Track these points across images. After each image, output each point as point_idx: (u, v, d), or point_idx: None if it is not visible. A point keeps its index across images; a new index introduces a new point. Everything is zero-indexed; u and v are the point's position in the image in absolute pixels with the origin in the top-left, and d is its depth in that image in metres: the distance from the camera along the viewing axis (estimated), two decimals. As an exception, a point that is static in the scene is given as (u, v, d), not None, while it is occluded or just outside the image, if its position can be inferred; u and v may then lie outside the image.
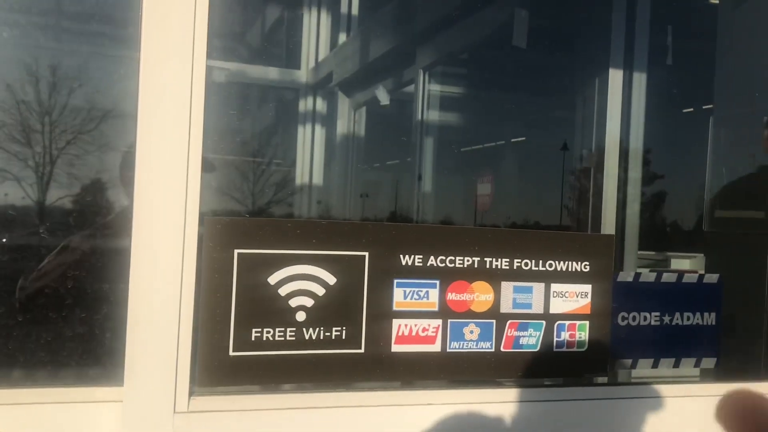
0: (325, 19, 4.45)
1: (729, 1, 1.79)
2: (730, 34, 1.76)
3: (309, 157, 4.70)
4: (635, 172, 2.32)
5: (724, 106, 1.80)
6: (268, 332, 0.98)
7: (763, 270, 1.50)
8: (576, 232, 1.06)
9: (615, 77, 2.32)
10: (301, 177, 4.53)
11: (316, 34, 4.92)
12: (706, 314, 1.21)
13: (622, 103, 2.33)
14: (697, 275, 1.23)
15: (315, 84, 4.83)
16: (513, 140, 3.99)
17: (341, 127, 4.79)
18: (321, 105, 4.85)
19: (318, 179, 4.70)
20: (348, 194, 4.78)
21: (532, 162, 3.42)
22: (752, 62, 1.69)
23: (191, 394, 0.93)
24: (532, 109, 3.27)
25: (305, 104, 4.80)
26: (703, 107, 1.97)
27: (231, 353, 0.96)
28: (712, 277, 1.24)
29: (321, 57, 4.85)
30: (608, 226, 2.16)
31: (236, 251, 0.96)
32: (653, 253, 2.88)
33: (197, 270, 0.93)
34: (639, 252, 2.45)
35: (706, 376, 1.33)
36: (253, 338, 0.97)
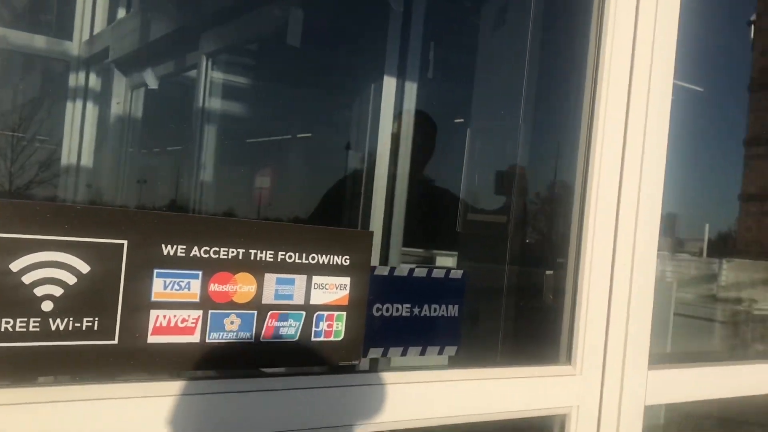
0: (104, -11, 4.18)
1: (489, 23, 1.98)
2: (487, 53, 1.95)
3: (78, 137, 4.38)
4: (404, 174, 2.48)
5: (480, 117, 1.99)
6: (7, 323, 0.92)
7: (502, 268, 1.69)
8: (339, 228, 1.13)
9: (389, 83, 2.46)
10: (68, 157, 4.21)
11: (92, 5, 4.60)
12: (450, 306, 1.33)
13: (394, 107, 2.48)
14: (444, 270, 1.36)
15: (88, 58, 4.51)
16: (295, 136, 4.05)
17: (116, 107, 4.52)
18: (94, 81, 4.54)
19: (88, 161, 4.39)
20: (122, 179, 4.52)
21: (312, 158, 3.50)
22: (503, 80, 1.89)
23: None
24: (314, 107, 3.35)
25: (76, 79, 4.46)
26: (462, 118, 2.16)
27: (-27, 345, 0.88)
28: (457, 273, 1.37)
29: (97, 30, 4.54)
30: (376, 224, 2.28)
31: (-23, 235, 0.88)
32: (421, 250, 3.09)
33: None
34: (407, 249, 2.62)
35: (455, 363, 1.46)
36: (-7, 329, 0.90)
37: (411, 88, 2.51)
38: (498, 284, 1.74)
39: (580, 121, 1.53)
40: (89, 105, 4.54)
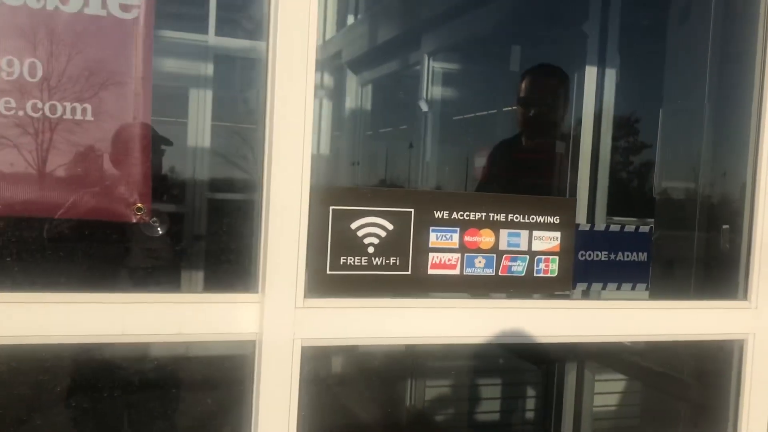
0: None
1: (675, 19, 2.32)
2: (675, 46, 2.29)
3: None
4: (606, 148, 2.87)
5: (671, 100, 2.34)
6: (345, 259, 1.53)
7: (692, 225, 2.05)
8: (550, 197, 1.59)
9: (590, 70, 2.86)
10: (318, 145, 5.02)
11: (324, 13, 5.37)
12: (639, 253, 1.76)
13: (595, 90, 2.88)
14: (635, 226, 1.78)
15: (323, 60, 5.30)
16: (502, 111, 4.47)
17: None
18: (328, 80, 5.34)
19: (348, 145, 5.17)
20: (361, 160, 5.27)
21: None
22: (690, 67, 2.22)
23: (305, 296, 1.48)
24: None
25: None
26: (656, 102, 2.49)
27: (328, 272, 1.51)
28: (645, 228, 1.79)
29: (329, 35, 5.31)
30: (582, 193, 2.72)
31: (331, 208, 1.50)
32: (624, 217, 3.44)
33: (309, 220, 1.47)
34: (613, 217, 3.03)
35: (655, 297, 1.89)
36: (341, 263, 1.52)
37: (611, 73, 2.89)
38: (686, 239, 2.10)
39: (752, 99, 1.86)
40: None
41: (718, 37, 2.13)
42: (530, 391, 3.51)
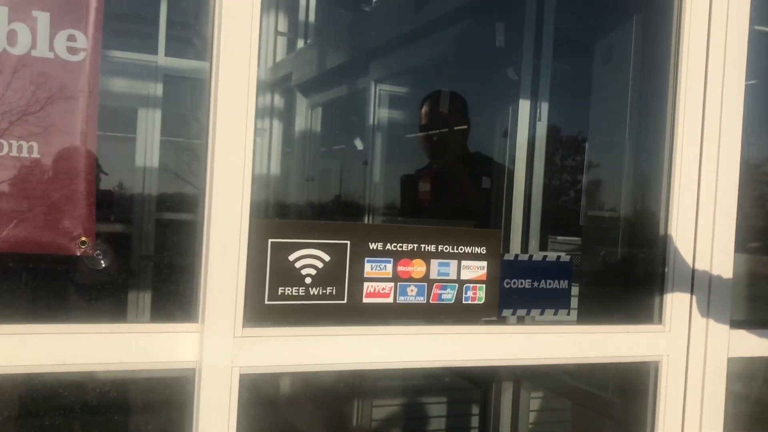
0: None
1: (600, 59, 2.48)
2: (600, 84, 2.45)
3: (268, 148, 5.26)
4: (539, 175, 3.03)
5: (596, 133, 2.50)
6: (283, 289, 1.61)
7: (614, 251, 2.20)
8: (476, 228, 1.71)
9: (524, 103, 3.02)
10: (259, 165, 5.09)
11: (274, 38, 5.47)
12: (561, 281, 1.89)
13: (528, 121, 3.04)
14: (556, 256, 1.91)
15: (273, 82, 5.39)
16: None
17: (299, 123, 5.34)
18: (278, 101, 5.42)
19: (276, 167, 5.27)
20: (305, 180, 5.36)
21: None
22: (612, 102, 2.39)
23: (243, 326, 1.55)
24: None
25: (263, 100, 5.35)
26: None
27: (266, 302, 1.59)
28: (565, 257, 1.92)
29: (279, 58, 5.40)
30: (516, 220, 2.86)
31: (269, 240, 1.58)
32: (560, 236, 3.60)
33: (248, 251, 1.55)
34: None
35: (581, 321, 2.01)
36: (279, 293, 1.60)
37: (544, 107, 3.05)
38: (609, 265, 2.25)
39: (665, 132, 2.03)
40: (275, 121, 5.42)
41: (637, 77, 2.29)
42: (470, 410, 3.63)
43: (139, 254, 3.67)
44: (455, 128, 2.76)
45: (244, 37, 1.53)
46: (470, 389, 3.46)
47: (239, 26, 1.53)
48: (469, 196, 2.83)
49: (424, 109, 2.88)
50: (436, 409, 3.86)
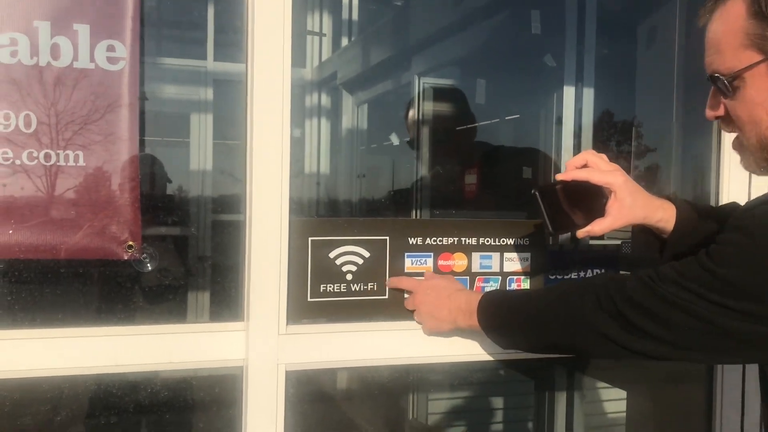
0: None
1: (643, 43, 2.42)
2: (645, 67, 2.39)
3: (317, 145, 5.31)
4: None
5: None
6: (326, 286, 1.63)
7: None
8: (520, 220, 1.69)
9: (568, 89, 2.97)
10: (310, 162, 5.14)
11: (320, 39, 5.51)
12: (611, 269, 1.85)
13: (574, 108, 2.98)
14: (602, 246, 1.87)
15: (320, 81, 5.43)
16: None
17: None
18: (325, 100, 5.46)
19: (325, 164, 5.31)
20: (354, 176, 5.38)
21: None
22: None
23: (287, 323, 1.57)
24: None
25: (311, 99, 5.39)
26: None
27: (309, 299, 1.60)
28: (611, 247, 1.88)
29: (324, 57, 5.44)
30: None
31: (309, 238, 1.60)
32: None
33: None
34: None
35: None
36: (321, 290, 1.62)
37: (589, 93, 2.99)
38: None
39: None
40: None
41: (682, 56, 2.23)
42: (526, 402, 3.59)
43: (195, 255, 3.75)
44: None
45: (277, 37, 1.55)
46: (524, 381, 3.43)
47: (272, 26, 1.55)
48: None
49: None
50: (492, 402, 3.84)
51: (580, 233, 1.44)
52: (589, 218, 1.43)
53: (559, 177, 1.44)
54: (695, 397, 2.07)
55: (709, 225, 1.44)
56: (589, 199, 1.44)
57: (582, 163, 1.45)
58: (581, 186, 1.43)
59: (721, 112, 1.27)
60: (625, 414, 2.75)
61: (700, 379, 2.03)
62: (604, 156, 1.47)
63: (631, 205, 1.42)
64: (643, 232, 1.52)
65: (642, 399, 2.53)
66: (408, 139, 3.11)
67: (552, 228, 1.44)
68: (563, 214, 1.43)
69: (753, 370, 1.92)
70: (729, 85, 1.20)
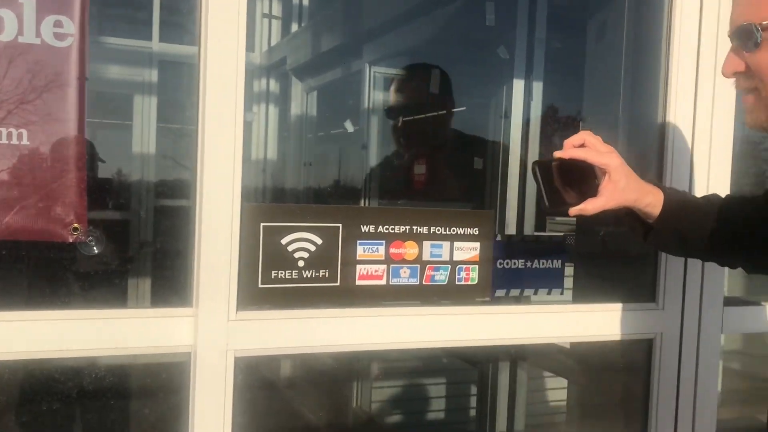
0: None
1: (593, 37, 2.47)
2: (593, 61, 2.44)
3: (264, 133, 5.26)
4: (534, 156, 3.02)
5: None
6: (276, 272, 1.62)
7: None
8: (469, 210, 1.72)
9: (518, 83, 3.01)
10: (256, 149, 5.08)
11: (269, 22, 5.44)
12: (554, 260, 1.89)
13: (523, 101, 3.03)
14: (548, 236, 1.91)
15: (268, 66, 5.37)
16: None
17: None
18: (273, 86, 5.40)
19: (272, 152, 5.27)
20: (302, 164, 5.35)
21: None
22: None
23: (237, 309, 1.56)
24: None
25: (258, 85, 5.33)
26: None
27: (259, 285, 1.59)
28: (558, 237, 1.92)
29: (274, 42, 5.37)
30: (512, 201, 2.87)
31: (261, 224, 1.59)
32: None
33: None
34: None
35: (577, 300, 2.02)
36: (272, 276, 1.61)
37: (538, 87, 3.04)
38: (602, 245, 2.26)
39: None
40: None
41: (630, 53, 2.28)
42: (469, 390, 3.65)
43: (137, 240, 3.67)
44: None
45: (232, 21, 1.53)
46: (467, 370, 3.48)
47: (226, 9, 1.52)
48: None
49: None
50: (435, 390, 3.89)
51: (573, 211, 1.43)
52: (581, 198, 1.43)
53: (557, 154, 1.44)
54: (633, 385, 2.15)
55: (692, 212, 1.50)
56: (582, 178, 1.44)
57: (580, 143, 1.45)
58: (575, 165, 1.43)
59: (741, 67, 1.30)
60: (565, 402, 2.83)
61: (639, 368, 2.10)
62: (599, 138, 1.48)
63: (624, 188, 1.44)
64: (629, 216, 1.54)
65: (581, 387, 2.60)
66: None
67: (549, 204, 1.44)
68: (557, 191, 1.43)
69: (688, 360, 2.01)
70: (760, 34, 1.22)
